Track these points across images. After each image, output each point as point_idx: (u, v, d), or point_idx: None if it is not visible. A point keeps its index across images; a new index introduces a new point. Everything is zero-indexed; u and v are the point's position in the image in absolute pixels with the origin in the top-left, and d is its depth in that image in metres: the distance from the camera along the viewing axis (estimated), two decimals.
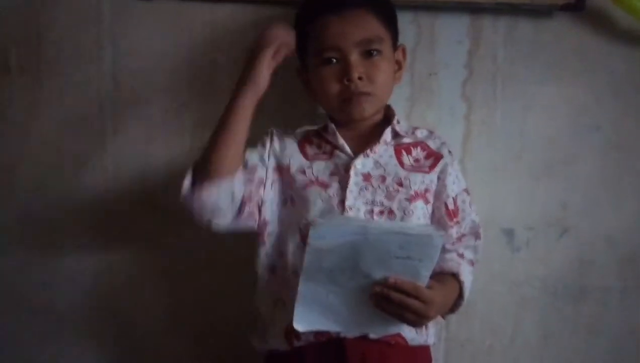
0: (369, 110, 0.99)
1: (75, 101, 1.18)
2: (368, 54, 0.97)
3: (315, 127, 1.03)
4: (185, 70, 1.17)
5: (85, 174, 1.19)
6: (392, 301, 0.86)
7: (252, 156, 1.00)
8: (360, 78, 0.96)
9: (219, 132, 0.94)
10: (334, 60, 0.97)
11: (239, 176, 0.95)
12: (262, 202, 0.99)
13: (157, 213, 1.19)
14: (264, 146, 1.02)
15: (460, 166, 1.13)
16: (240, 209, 0.96)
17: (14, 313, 1.21)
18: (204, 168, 0.93)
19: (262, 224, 1.00)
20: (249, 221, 0.98)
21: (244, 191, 0.96)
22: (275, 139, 1.03)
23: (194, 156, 1.16)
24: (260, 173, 0.99)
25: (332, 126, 1.00)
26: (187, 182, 0.93)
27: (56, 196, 1.20)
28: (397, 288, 0.85)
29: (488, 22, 1.13)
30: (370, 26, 0.97)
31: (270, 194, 1.00)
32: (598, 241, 1.19)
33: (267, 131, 1.04)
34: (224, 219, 0.95)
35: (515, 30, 1.14)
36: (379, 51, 0.98)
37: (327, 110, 1.03)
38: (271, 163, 1.00)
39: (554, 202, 1.18)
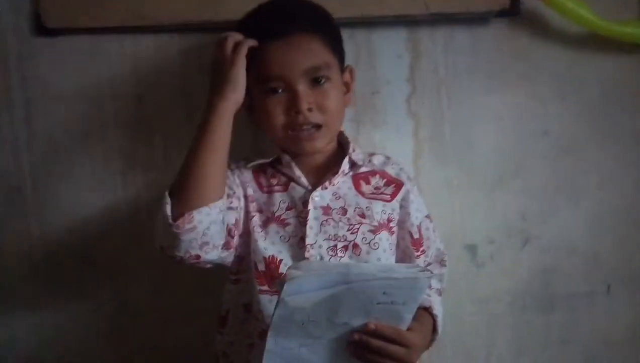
0: (321, 143, 0.93)
1: None
2: (316, 81, 0.91)
3: (268, 160, 0.95)
4: (109, 110, 1.07)
5: (4, 238, 1.07)
6: (372, 349, 0.78)
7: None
8: (309, 109, 0.89)
9: (201, 151, 0.83)
10: (280, 89, 0.90)
11: (224, 202, 0.84)
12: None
13: (91, 268, 1.08)
14: (230, 172, 0.92)
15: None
16: (227, 240, 0.86)
17: None
18: (189, 194, 0.80)
19: (237, 260, 0.90)
20: (232, 255, 0.89)
21: (228, 218, 0.86)
22: (235, 168, 0.94)
23: (128, 203, 1.08)
24: (234, 201, 0.89)
25: (287, 157, 0.93)
26: (167, 214, 0.79)
27: None
28: (377, 334, 0.78)
29: (425, 33, 1.10)
30: (317, 52, 0.91)
31: (241, 227, 0.90)
32: (561, 248, 1.16)
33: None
34: (212, 253, 0.83)
35: (454, 40, 1.11)
36: (327, 78, 0.91)
37: (275, 142, 0.96)
38: (240, 192, 0.91)
39: (512, 213, 1.14)
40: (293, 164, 0.93)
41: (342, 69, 0.97)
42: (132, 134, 1.08)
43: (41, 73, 1.05)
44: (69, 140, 1.07)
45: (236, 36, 0.89)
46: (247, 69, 0.89)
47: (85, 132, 1.07)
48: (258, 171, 0.96)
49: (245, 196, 0.92)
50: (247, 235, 0.90)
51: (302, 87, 0.89)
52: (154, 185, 1.08)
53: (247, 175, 0.94)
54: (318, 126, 0.91)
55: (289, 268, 0.75)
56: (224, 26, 1.02)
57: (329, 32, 0.94)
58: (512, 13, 1.08)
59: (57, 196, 1.07)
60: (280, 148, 0.95)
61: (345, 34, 1.05)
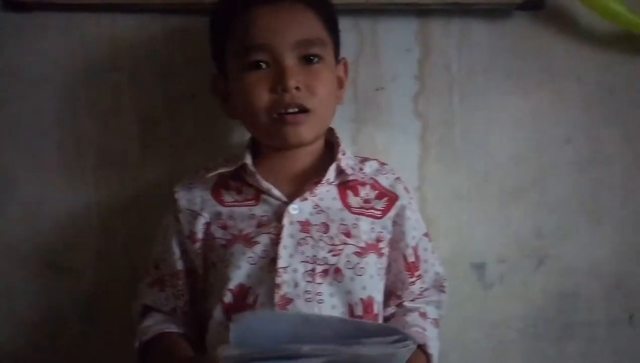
0: (308, 133, 0.79)
1: None
2: (307, 60, 0.78)
3: (229, 169, 0.81)
4: (82, 97, 0.96)
5: None
6: None
7: (166, 262, 0.82)
8: (297, 88, 0.77)
9: None
10: (263, 64, 0.78)
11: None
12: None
13: (58, 276, 0.97)
14: (166, 230, 0.83)
15: (419, 195, 0.97)
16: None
17: None
18: None
19: (202, 295, 0.82)
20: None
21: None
22: (180, 201, 0.82)
23: (99, 202, 0.96)
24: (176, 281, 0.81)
25: (251, 167, 0.79)
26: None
27: None
28: None
29: (438, 25, 0.98)
30: (312, 25, 0.79)
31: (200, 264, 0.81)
32: (579, 270, 1.04)
33: (171, 195, 0.84)
34: None
35: (470, 35, 0.99)
36: (320, 58, 0.79)
37: (252, 131, 0.84)
38: (185, 231, 0.80)
39: (527, 229, 1.03)
40: (259, 176, 0.79)
41: (337, 58, 0.85)
42: (107, 125, 0.97)
43: (8, 53, 0.94)
44: (36, 129, 0.96)
45: None
46: (223, 46, 0.78)
47: (56, 121, 0.96)
48: (218, 188, 0.81)
49: (192, 234, 0.80)
50: (209, 264, 0.79)
51: (291, 62, 0.77)
52: (128, 183, 0.97)
53: (202, 197, 0.81)
54: (305, 111, 0.78)
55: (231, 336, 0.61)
56: (210, 8, 0.92)
57: (326, 9, 0.82)
58: (536, 6, 0.97)
59: (20, 191, 0.96)
60: (254, 145, 0.83)
61: (347, 23, 0.94)
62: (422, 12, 0.97)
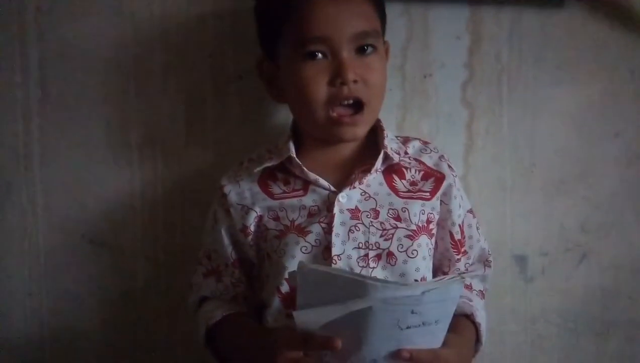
0: (363, 130, 0.80)
1: None
2: (361, 50, 0.78)
3: (274, 163, 0.81)
4: (131, 75, 0.97)
5: (8, 207, 0.97)
6: None
7: (218, 253, 0.84)
8: (355, 81, 0.77)
9: None
10: (319, 54, 0.78)
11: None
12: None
13: (96, 249, 0.98)
14: (216, 223, 0.84)
15: (463, 184, 0.96)
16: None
17: None
18: None
19: (260, 284, 0.84)
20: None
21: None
22: (229, 195, 0.82)
23: (142, 179, 0.97)
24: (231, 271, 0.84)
25: (297, 160, 0.79)
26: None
27: None
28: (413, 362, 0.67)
29: (490, 14, 0.97)
30: (369, 17, 0.79)
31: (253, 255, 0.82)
32: (623, 267, 1.02)
33: (217, 188, 0.85)
34: None
35: (521, 24, 0.98)
36: (374, 48, 0.79)
37: (303, 122, 0.83)
38: (238, 225, 0.81)
39: (571, 223, 1.01)
40: (305, 168, 0.79)
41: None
42: (154, 105, 0.97)
43: (60, 30, 0.95)
44: (84, 105, 0.97)
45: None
46: (276, 30, 0.78)
47: (104, 99, 0.97)
48: (265, 180, 0.82)
49: (244, 228, 0.81)
50: (263, 255, 0.81)
51: (348, 54, 0.77)
52: (173, 162, 0.98)
53: (251, 190, 0.81)
54: (360, 106, 0.78)
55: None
56: None
57: None
58: None
59: (66, 166, 0.97)
60: (308, 131, 0.83)
61: (397, 8, 0.94)
62: (474, 0, 0.96)
